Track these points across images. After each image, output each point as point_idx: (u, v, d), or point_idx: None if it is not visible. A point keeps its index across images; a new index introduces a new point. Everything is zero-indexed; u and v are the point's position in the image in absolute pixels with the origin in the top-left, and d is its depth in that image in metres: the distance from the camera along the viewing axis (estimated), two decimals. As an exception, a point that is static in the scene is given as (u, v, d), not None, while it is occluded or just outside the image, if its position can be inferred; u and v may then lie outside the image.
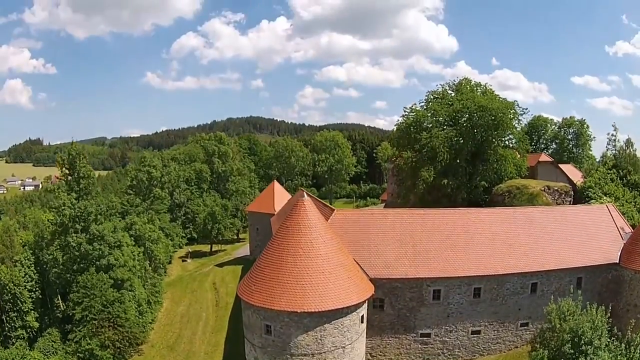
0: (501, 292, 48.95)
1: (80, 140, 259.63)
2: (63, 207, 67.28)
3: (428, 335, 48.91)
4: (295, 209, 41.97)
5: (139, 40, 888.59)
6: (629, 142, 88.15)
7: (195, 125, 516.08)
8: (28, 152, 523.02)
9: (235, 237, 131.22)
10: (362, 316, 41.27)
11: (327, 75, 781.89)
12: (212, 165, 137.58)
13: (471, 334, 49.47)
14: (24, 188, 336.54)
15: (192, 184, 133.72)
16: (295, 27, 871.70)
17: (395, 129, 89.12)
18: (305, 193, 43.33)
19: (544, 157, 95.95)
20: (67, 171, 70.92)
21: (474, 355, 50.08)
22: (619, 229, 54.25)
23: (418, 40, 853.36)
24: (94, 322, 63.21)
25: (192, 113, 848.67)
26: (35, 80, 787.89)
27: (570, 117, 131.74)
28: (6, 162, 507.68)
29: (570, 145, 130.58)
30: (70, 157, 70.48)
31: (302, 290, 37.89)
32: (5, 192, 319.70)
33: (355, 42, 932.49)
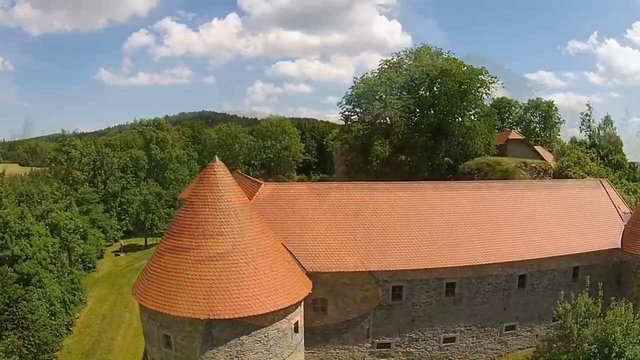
0: (481, 288, 38.86)
1: (37, 137, 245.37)
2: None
3: (387, 345, 38.53)
4: (202, 179, 30.60)
5: (92, 37, 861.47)
6: (607, 120, 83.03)
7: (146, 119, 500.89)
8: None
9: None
10: (296, 324, 30.13)
11: (277, 70, 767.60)
12: (150, 152, 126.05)
13: (443, 343, 39.39)
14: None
15: (128, 172, 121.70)
16: (246, 24, 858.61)
17: (343, 102, 78.72)
18: (217, 157, 31.49)
19: (514, 135, 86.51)
20: None
21: (447, 369, 39.97)
22: (617, 207, 45.20)
23: (370, 35, 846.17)
24: (-6, 324, 52.87)
25: (144, 108, 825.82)
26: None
27: (537, 98, 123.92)
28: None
29: (538, 129, 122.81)
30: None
31: (207, 289, 27.00)
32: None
33: (304, 37, 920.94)
